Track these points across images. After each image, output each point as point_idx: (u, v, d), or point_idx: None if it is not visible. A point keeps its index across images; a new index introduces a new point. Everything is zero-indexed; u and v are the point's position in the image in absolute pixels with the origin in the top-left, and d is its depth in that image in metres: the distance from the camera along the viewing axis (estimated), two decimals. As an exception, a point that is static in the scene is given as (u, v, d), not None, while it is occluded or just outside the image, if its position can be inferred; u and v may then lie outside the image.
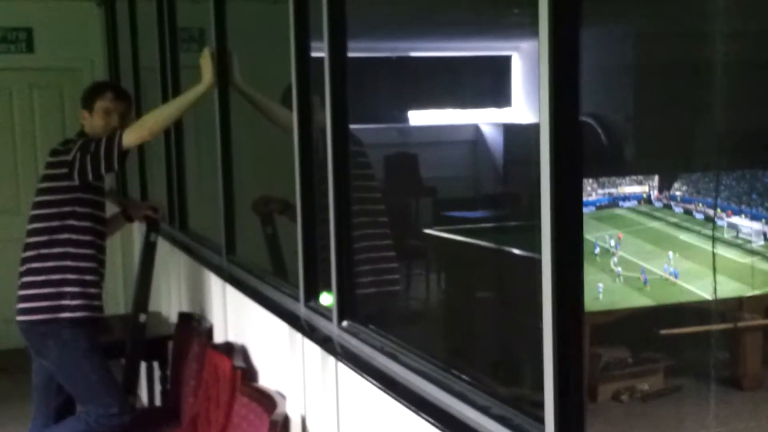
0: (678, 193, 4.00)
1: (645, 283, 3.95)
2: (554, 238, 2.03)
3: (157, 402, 5.58)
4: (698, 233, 3.90)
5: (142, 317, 4.84)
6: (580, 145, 2.05)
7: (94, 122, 4.45)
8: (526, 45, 9.74)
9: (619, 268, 4.02)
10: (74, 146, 4.28)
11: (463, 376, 2.61)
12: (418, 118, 10.26)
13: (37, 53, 8.28)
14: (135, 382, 4.94)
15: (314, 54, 3.61)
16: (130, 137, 4.24)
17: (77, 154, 4.23)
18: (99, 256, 4.43)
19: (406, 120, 10.13)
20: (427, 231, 6.48)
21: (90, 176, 4.25)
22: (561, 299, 2.05)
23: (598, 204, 4.02)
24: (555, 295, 2.05)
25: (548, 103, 2.01)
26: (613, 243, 4.06)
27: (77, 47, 8.43)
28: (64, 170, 4.27)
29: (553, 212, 2.02)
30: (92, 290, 4.39)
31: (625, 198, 4.07)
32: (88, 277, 4.37)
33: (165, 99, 5.62)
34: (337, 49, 3.31)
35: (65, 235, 4.32)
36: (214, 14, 4.65)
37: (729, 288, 3.63)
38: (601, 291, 3.81)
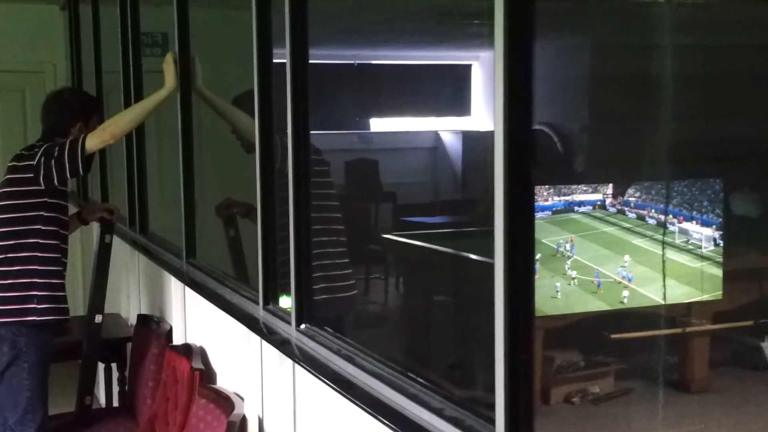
0: (631, 199, 4.06)
1: (599, 286, 4.01)
2: (506, 243, 2.08)
3: (115, 403, 5.58)
4: (650, 238, 3.96)
5: (98, 318, 4.84)
6: (533, 153, 2.11)
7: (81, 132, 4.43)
8: (485, 54, 9.82)
9: (574, 272, 4.08)
10: (39, 150, 4.29)
11: (419, 379, 2.65)
12: (379, 124, 10.32)
13: (0, 55, 8.26)
14: (92, 382, 4.95)
15: (276, 60, 3.65)
16: (93, 141, 4.25)
17: (41, 158, 4.24)
18: (63, 260, 4.44)
19: (367, 126, 10.18)
20: (386, 236, 6.52)
21: (55, 181, 4.26)
22: (513, 303, 2.10)
23: (554, 208, 4.08)
24: (507, 298, 2.09)
25: (502, 112, 2.06)
26: (568, 247, 4.12)
27: (40, 50, 8.41)
28: (30, 175, 4.27)
29: (505, 218, 2.07)
30: (59, 293, 4.40)
31: (581, 203, 4.13)
32: (55, 281, 4.38)
33: (128, 103, 5.63)
34: (299, 54, 3.35)
35: (32, 240, 4.33)
36: (177, 19, 4.67)
37: (679, 292, 3.69)
38: (558, 290, 3.87)
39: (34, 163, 4.25)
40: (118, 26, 5.86)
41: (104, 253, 4.90)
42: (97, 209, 5.10)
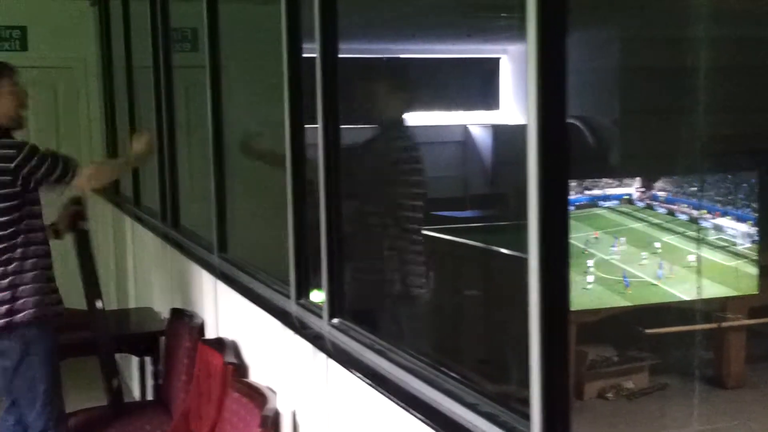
0: (661, 194, 3.98)
1: (626, 285, 3.91)
2: (541, 237, 2.06)
3: (149, 396, 5.61)
4: (682, 234, 3.88)
5: (99, 304, 4.79)
6: (567, 146, 2.09)
7: (3, 106, 4.31)
8: (514, 48, 9.80)
9: (641, 263, 3.93)
10: (16, 152, 4.20)
11: (452, 374, 2.64)
12: (408, 118, 10.29)
13: (31, 51, 8.30)
14: (113, 365, 4.90)
15: (306, 54, 3.64)
16: (83, 182, 4.34)
17: (27, 158, 4.17)
18: (50, 261, 4.40)
19: (396, 120, 10.14)
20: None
21: (32, 183, 4.20)
22: (547, 298, 2.08)
23: (576, 203, 3.99)
24: (541, 293, 2.07)
25: (535, 106, 2.04)
26: (614, 243, 4.02)
27: (71, 46, 8.46)
28: (8, 178, 4.19)
29: (540, 213, 2.05)
30: (49, 292, 4.35)
31: (606, 197, 4.04)
32: (43, 282, 4.32)
33: (158, 98, 5.67)
34: (329, 49, 3.34)
35: (20, 239, 4.28)
36: (207, 15, 4.68)
37: (711, 292, 3.62)
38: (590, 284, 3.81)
39: (12, 165, 4.17)
40: (148, 21, 5.88)
41: (83, 240, 4.81)
42: (63, 215, 4.82)
